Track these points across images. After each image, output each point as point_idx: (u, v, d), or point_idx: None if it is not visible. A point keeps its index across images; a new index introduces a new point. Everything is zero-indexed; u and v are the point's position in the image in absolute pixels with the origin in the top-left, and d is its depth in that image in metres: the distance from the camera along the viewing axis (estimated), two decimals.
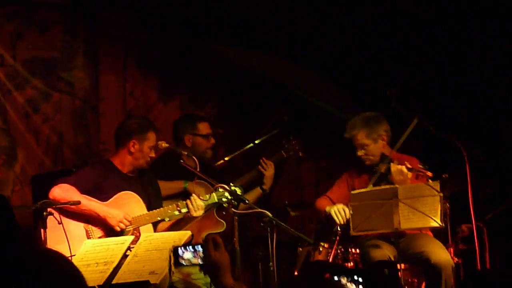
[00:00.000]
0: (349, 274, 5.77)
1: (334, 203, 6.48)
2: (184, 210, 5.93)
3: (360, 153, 6.48)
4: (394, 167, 6.14)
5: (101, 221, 5.77)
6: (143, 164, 6.08)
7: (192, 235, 6.32)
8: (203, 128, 6.77)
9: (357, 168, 6.65)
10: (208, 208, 6.28)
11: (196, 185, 6.20)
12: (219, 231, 6.44)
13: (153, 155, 6.08)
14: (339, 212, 6.32)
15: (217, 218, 6.45)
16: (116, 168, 6.06)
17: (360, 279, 5.73)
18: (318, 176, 8.56)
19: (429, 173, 6.02)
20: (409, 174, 6.13)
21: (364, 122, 6.50)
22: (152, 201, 6.07)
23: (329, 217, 6.41)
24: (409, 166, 6.10)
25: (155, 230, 5.95)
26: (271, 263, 6.18)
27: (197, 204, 5.92)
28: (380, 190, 6.04)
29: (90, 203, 5.76)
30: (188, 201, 5.92)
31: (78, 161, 7.41)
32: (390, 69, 7.70)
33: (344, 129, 6.62)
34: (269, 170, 6.88)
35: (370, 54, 7.82)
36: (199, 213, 5.96)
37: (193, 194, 5.97)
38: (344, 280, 5.68)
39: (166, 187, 6.43)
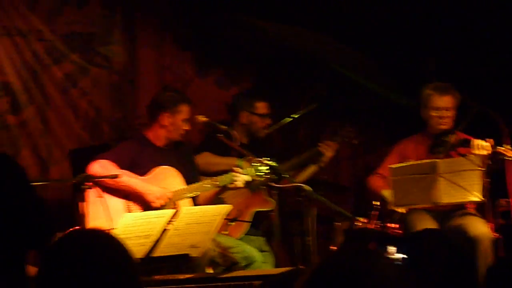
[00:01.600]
0: (395, 243, 5.76)
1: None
2: (222, 184, 5.93)
3: (445, 113, 6.42)
4: (477, 142, 6.05)
5: (140, 197, 5.78)
6: (177, 137, 6.07)
7: (240, 211, 6.36)
8: (261, 107, 6.71)
9: (413, 137, 6.60)
10: (256, 187, 6.27)
11: (247, 162, 6.16)
12: (267, 209, 6.42)
13: (187, 127, 6.06)
14: None
15: (266, 196, 6.43)
16: (150, 142, 6.06)
17: (406, 248, 5.73)
18: (354, 151, 8.53)
19: None
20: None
21: (453, 88, 6.46)
22: (188, 175, 6.07)
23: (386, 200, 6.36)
24: (492, 143, 6.03)
25: (195, 204, 5.95)
26: (308, 238, 6.18)
27: (243, 178, 5.90)
28: (420, 164, 6.02)
29: (129, 180, 5.77)
30: (235, 173, 5.90)
31: (116, 135, 7.44)
32: (429, 44, 7.64)
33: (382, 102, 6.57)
34: (330, 151, 6.83)
35: (409, 27, 7.75)
36: (242, 185, 5.94)
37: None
38: (391, 250, 5.68)
39: (219, 162, 6.40)
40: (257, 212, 6.53)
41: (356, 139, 6.97)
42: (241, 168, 6.04)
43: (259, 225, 6.67)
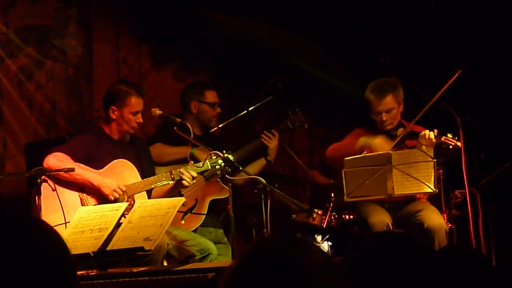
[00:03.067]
0: (320, 233, 5.81)
1: None
2: (177, 178, 5.93)
3: (385, 117, 6.41)
4: (423, 132, 6.10)
5: (95, 190, 5.77)
6: (129, 130, 6.03)
7: (197, 200, 6.37)
8: (210, 96, 6.73)
9: (370, 128, 6.60)
10: (210, 176, 6.29)
11: (201, 152, 6.18)
12: (223, 197, 6.43)
13: (139, 120, 6.02)
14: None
15: (222, 184, 6.44)
16: (107, 135, 6.05)
17: (331, 237, 5.79)
18: (312, 143, 8.57)
19: (459, 144, 6.05)
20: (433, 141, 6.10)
21: (391, 85, 6.45)
22: (145, 168, 6.07)
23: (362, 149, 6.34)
24: (435, 133, 6.08)
25: (150, 197, 5.96)
26: (265, 230, 6.20)
27: (189, 174, 5.92)
28: (374, 155, 6.05)
29: (84, 172, 5.75)
30: (182, 170, 5.92)
31: (72, 129, 7.39)
32: (383, 36, 7.68)
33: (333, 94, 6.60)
34: (273, 142, 6.81)
35: (363, 20, 7.80)
36: (191, 182, 5.96)
37: (189, 164, 5.96)
38: (318, 239, 5.74)
39: (172, 151, 6.42)
40: (216, 202, 6.54)
41: (307, 124, 6.99)
42: (194, 156, 6.09)
43: (218, 216, 6.68)
